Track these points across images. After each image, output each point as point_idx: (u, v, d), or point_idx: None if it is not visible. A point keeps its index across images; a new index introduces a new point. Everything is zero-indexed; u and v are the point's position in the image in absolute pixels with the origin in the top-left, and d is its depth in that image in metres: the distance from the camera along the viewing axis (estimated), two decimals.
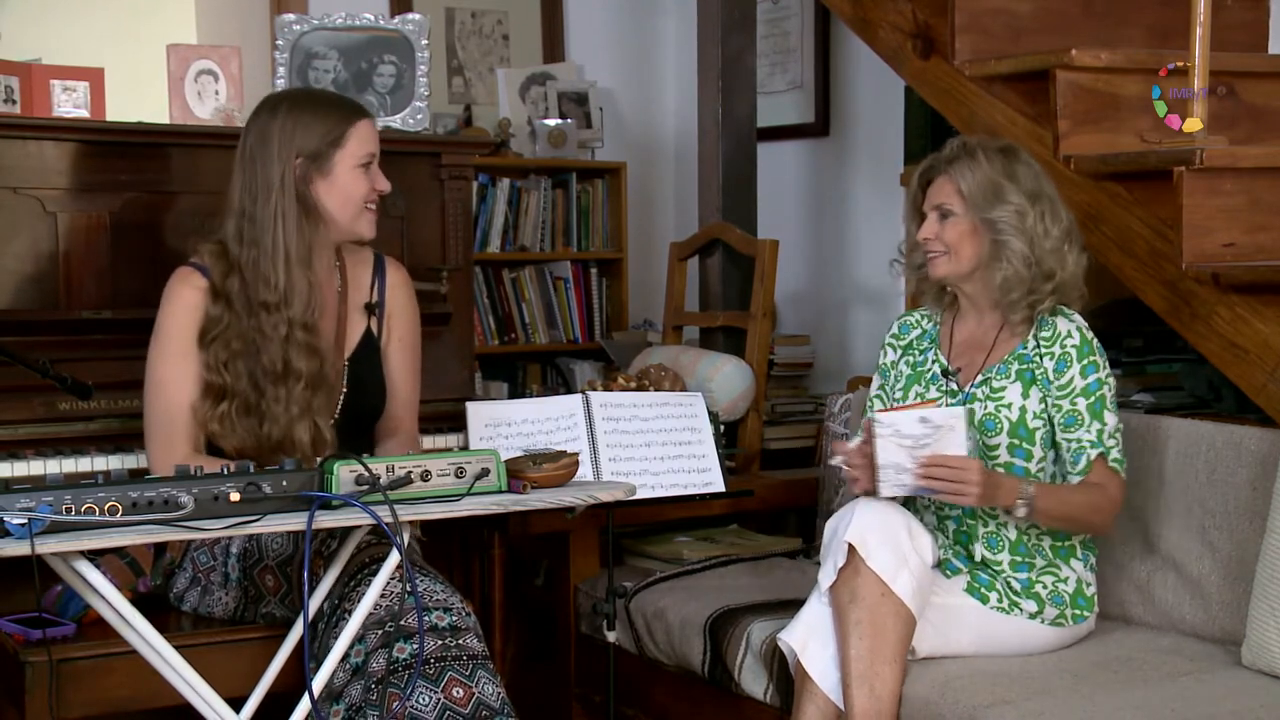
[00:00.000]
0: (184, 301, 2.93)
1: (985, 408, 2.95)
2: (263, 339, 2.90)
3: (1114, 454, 2.91)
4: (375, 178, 3.01)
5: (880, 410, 2.83)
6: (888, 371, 3.15)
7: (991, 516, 2.95)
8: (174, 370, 2.92)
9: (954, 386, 3.01)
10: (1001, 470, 2.90)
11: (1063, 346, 2.93)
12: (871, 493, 2.82)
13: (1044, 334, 2.95)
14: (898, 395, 3.10)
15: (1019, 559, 2.94)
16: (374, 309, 3.13)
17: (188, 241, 3.05)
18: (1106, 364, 2.95)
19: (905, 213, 3.09)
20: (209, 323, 2.92)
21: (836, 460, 2.91)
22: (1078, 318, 2.97)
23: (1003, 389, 2.95)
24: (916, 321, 3.16)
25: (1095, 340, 2.95)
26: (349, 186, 2.97)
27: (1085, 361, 2.91)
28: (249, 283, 2.91)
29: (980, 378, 2.98)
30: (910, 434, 2.75)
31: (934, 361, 3.06)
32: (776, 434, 4.54)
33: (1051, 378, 2.92)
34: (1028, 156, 2.99)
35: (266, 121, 2.95)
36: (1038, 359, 2.94)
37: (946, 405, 2.94)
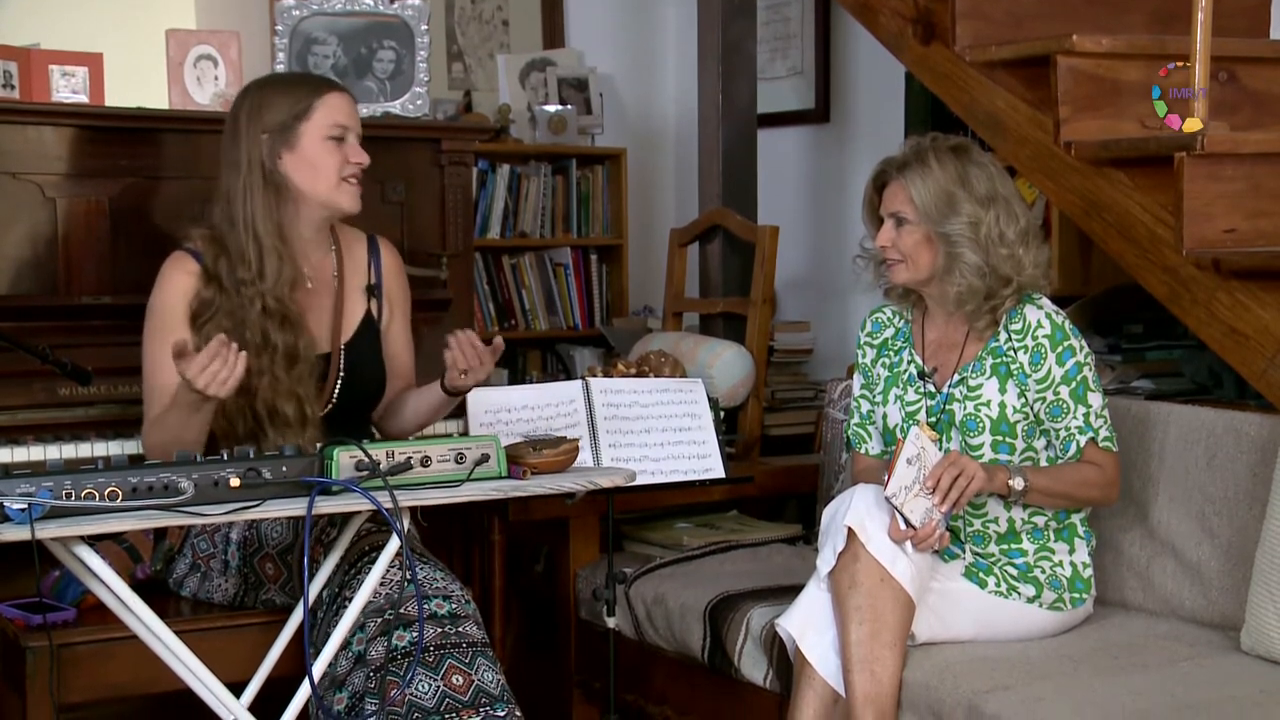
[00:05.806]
0: (176, 284, 2.94)
1: (965, 408, 2.94)
2: (245, 314, 2.91)
3: (1102, 434, 2.92)
4: (350, 150, 2.98)
5: (884, 489, 2.78)
6: (869, 370, 3.15)
7: (978, 515, 2.96)
8: (165, 350, 2.91)
9: (931, 388, 3.01)
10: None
11: (1035, 339, 2.91)
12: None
13: (1014, 326, 2.94)
14: (878, 398, 3.10)
15: (1008, 546, 2.95)
16: (374, 290, 3.13)
17: (183, 228, 3.05)
18: (1082, 343, 2.94)
19: (863, 215, 3.09)
20: (201, 306, 2.93)
21: (909, 549, 2.79)
22: (1046, 303, 2.96)
23: (979, 386, 2.94)
24: (889, 320, 3.14)
25: (1067, 322, 2.94)
26: (317, 158, 2.94)
27: (1060, 349, 2.90)
28: (231, 261, 2.93)
29: (957, 377, 2.97)
30: (914, 480, 2.75)
31: (910, 362, 3.06)
32: (776, 420, 4.53)
33: (1028, 371, 2.91)
34: (981, 154, 2.97)
35: (239, 103, 3.00)
36: (1011, 352, 2.93)
37: (925, 407, 2.97)
